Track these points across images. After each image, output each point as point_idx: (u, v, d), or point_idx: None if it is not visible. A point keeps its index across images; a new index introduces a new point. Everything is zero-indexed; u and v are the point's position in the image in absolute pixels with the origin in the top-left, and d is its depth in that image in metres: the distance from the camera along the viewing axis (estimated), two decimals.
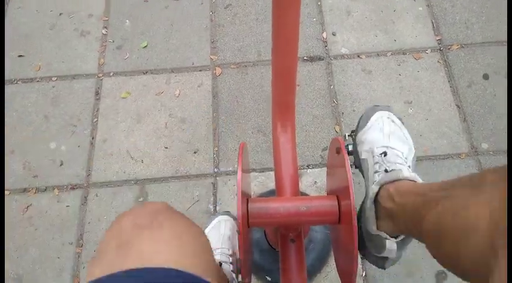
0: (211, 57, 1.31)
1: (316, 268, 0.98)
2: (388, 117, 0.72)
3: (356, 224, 0.54)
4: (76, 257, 1.05)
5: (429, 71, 1.26)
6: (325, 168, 1.12)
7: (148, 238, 0.39)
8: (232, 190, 1.10)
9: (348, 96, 1.23)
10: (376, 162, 0.66)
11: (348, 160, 0.58)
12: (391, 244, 0.60)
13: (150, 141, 1.19)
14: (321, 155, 1.15)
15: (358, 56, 1.29)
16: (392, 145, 0.68)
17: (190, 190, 1.11)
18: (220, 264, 0.72)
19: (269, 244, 0.92)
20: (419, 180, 0.60)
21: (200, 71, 1.29)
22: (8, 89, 1.28)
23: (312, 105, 1.22)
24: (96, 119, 1.22)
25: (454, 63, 1.27)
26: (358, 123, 0.75)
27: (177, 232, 0.41)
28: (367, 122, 0.73)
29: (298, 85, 1.23)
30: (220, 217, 0.93)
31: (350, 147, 0.74)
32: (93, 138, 1.20)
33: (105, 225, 1.08)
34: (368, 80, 1.25)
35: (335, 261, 0.77)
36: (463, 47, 1.29)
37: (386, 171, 0.63)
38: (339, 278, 0.98)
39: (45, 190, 1.13)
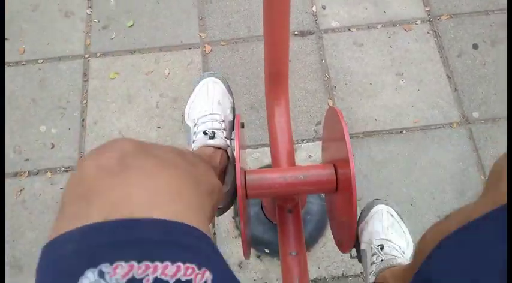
0: (200, 34, 1.29)
1: (313, 238, 1.00)
2: (387, 211, 0.76)
3: (355, 190, 0.55)
4: None
5: (419, 42, 1.26)
6: (319, 142, 1.12)
7: (115, 183, 0.32)
8: None
9: (340, 70, 1.22)
10: (374, 254, 0.69)
11: (346, 126, 0.58)
12: None
13: (142, 122, 1.17)
14: (314, 129, 1.15)
15: (349, 29, 1.28)
16: (390, 238, 0.71)
17: None
18: (214, 133, 0.65)
19: (266, 217, 0.93)
20: None
21: (189, 49, 1.27)
22: None
23: (304, 80, 1.21)
24: (85, 101, 1.21)
25: (444, 34, 1.27)
26: (360, 214, 0.78)
27: (150, 172, 0.34)
28: (367, 215, 0.76)
29: (290, 60, 1.23)
30: (207, 79, 0.77)
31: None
32: (83, 120, 1.18)
33: None
34: (359, 53, 1.24)
35: (332, 231, 0.78)
36: (452, 17, 1.29)
37: (382, 261, 0.66)
38: (335, 248, 1.00)
39: (38, 173, 1.12)
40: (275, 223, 0.85)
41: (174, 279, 0.28)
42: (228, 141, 0.69)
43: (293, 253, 0.65)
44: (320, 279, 0.99)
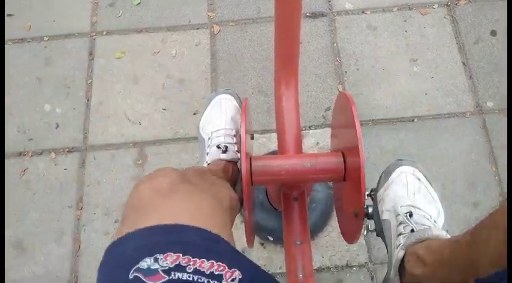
0: (209, 14, 1.25)
1: (318, 227, 0.98)
2: (412, 174, 0.64)
3: (364, 179, 0.53)
4: (76, 220, 1.04)
5: (436, 27, 1.21)
6: (327, 129, 1.09)
7: (166, 202, 0.43)
8: None
9: (352, 54, 1.18)
10: (400, 223, 0.59)
11: (356, 113, 0.55)
12: None
13: (147, 103, 1.15)
14: (323, 116, 1.12)
15: (363, 12, 1.23)
16: (418, 205, 0.60)
17: (191, 151, 1.09)
18: (226, 147, 0.72)
19: (271, 204, 0.91)
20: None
21: (197, 29, 1.24)
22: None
23: (314, 64, 1.18)
24: (90, 80, 1.18)
25: (461, 19, 1.22)
26: (379, 180, 0.67)
27: (190, 196, 0.45)
28: (389, 178, 0.65)
29: (300, 43, 1.19)
30: (221, 96, 0.82)
31: (370, 209, 0.64)
32: (88, 100, 1.16)
33: (104, 188, 1.07)
34: (373, 37, 1.20)
35: (338, 220, 0.76)
36: (470, 1, 1.24)
37: (412, 231, 0.56)
38: (339, 237, 0.99)
39: (42, 153, 1.11)
40: (280, 210, 0.84)
41: (209, 271, 0.35)
42: (239, 154, 0.73)
43: (297, 243, 0.63)
44: (324, 268, 0.97)
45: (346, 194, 0.63)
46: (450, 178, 1.05)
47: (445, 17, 1.22)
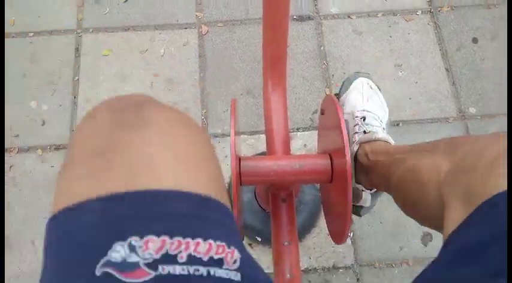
0: (197, 14, 1.26)
1: (306, 228, 1.00)
2: (367, 83, 0.82)
3: (351, 181, 0.54)
4: None
5: (419, 33, 1.24)
6: (315, 131, 1.11)
7: (134, 140, 0.29)
8: (222, 152, 1.09)
9: (338, 58, 1.21)
10: (356, 124, 0.75)
11: (342, 115, 0.57)
12: (366, 195, 0.71)
13: None
14: (310, 118, 1.14)
15: (349, 16, 1.26)
16: (369, 109, 0.77)
17: None
18: None
19: (259, 205, 0.92)
20: (392, 141, 0.70)
21: (185, 28, 1.24)
22: None
23: (301, 67, 1.20)
24: (77, 77, 1.17)
25: (444, 26, 1.25)
26: (341, 87, 0.85)
27: (168, 131, 0.31)
28: (349, 87, 0.83)
29: (288, 46, 1.20)
30: None
31: None
32: (75, 97, 1.15)
33: None
34: (359, 41, 1.22)
35: (326, 221, 0.78)
36: (453, 9, 1.27)
37: (364, 132, 0.73)
38: (327, 238, 1.00)
39: (28, 150, 1.09)
40: (268, 211, 0.85)
41: (207, 257, 0.26)
42: None
43: (285, 243, 0.64)
44: (311, 270, 0.99)
45: (333, 195, 0.65)
46: None
47: (428, 24, 1.25)
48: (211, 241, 0.27)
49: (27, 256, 1.00)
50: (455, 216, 0.37)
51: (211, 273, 0.26)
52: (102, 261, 0.24)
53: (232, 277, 0.27)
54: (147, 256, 0.25)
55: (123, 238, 0.25)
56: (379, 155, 0.66)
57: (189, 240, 0.26)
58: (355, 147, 0.72)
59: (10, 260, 0.99)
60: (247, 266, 0.30)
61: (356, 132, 0.74)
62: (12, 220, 1.02)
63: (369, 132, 0.72)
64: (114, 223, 0.26)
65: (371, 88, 0.82)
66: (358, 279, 0.98)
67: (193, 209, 0.28)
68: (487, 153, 0.38)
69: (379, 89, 0.84)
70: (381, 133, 0.71)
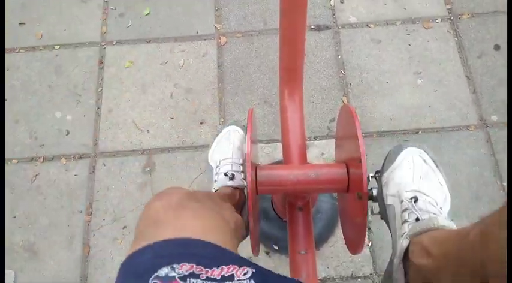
0: (216, 25, 1.28)
1: (323, 237, 0.99)
2: (419, 156, 0.63)
3: (367, 192, 0.54)
4: (86, 225, 1.06)
5: (439, 40, 1.23)
6: (332, 140, 1.11)
7: (177, 217, 0.47)
8: None
9: (356, 67, 1.21)
10: (405, 209, 0.57)
11: (360, 127, 0.57)
12: None
13: (155, 112, 1.18)
14: (328, 127, 1.14)
15: (367, 25, 1.26)
16: (424, 190, 0.58)
17: (198, 160, 1.11)
18: (233, 175, 0.75)
19: (276, 214, 0.93)
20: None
21: (205, 39, 1.27)
22: (11, 57, 1.26)
23: (318, 75, 1.20)
24: (100, 89, 1.21)
25: (465, 33, 1.24)
26: (384, 162, 0.65)
27: (200, 212, 0.50)
28: (394, 160, 0.63)
29: (305, 54, 1.21)
30: (229, 127, 0.85)
31: (374, 192, 0.62)
32: (98, 108, 1.19)
33: (113, 194, 1.09)
34: (377, 50, 1.22)
35: (342, 231, 0.78)
36: (473, 16, 1.26)
37: (417, 220, 0.54)
38: (344, 248, 0.99)
39: (53, 159, 1.13)
40: (285, 220, 0.85)
41: (219, 276, 0.39)
42: (245, 182, 0.76)
43: (302, 252, 0.64)
44: (329, 279, 0.98)
45: (350, 205, 0.65)
46: (454, 190, 1.05)
47: (448, 31, 1.24)
48: (223, 266, 0.40)
49: (50, 262, 1.03)
50: None
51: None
52: (153, 276, 0.38)
53: None
54: (181, 273, 0.38)
55: (168, 264, 0.39)
56: (449, 243, 0.46)
57: (208, 269, 0.40)
58: (405, 243, 0.52)
59: (34, 266, 1.02)
60: (260, 274, 0.40)
61: (405, 221, 0.55)
62: (37, 227, 1.06)
63: (425, 219, 0.54)
64: (162, 257, 0.40)
65: (425, 162, 0.62)
66: None
67: (213, 252, 0.43)
68: None
69: (437, 166, 0.63)
70: (443, 219, 0.53)
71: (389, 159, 0.64)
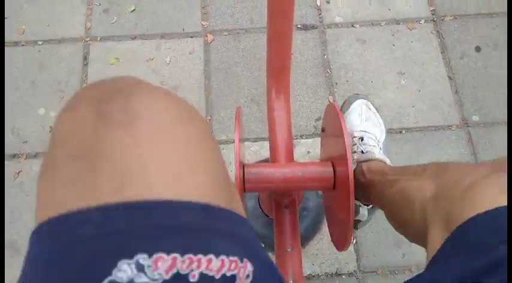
0: (203, 23, 1.28)
1: (309, 234, 1.00)
2: (366, 105, 0.87)
3: (353, 188, 0.55)
4: None
5: (422, 41, 1.25)
6: (318, 138, 1.12)
7: (123, 140, 0.25)
8: (226, 159, 1.10)
9: (342, 66, 1.22)
10: (354, 144, 0.79)
11: (345, 125, 0.58)
12: (363, 210, 0.75)
13: None
14: (314, 125, 1.15)
15: (352, 25, 1.27)
16: (367, 129, 0.82)
17: None
18: None
19: (263, 211, 0.93)
20: (387, 161, 0.74)
21: (191, 37, 1.26)
22: None
23: (305, 74, 1.21)
24: (85, 85, 1.20)
25: (447, 35, 1.26)
26: (342, 107, 0.90)
27: (162, 126, 0.26)
28: (349, 107, 0.88)
29: (292, 54, 1.22)
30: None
31: None
32: None
33: None
34: (362, 50, 1.24)
35: (328, 228, 0.79)
36: (456, 18, 1.29)
37: (362, 152, 0.77)
38: (330, 245, 1.01)
39: (36, 156, 1.11)
40: (271, 218, 0.86)
41: (219, 275, 0.24)
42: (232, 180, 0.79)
43: (288, 250, 0.65)
44: (314, 276, 0.99)
45: (336, 202, 0.66)
46: None
47: (431, 32, 1.26)
48: (223, 257, 0.24)
49: None
50: (435, 241, 0.41)
51: None
52: (106, 281, 0.21)
53: None
54: (157, 277, 0.22)
55: (130, 255, 0.22)
56: (375, 174, 0.69)
57: (200, 256, 0.23)
58: (354, 166, 0.75)
59: (17, 264, 1.01)
60: (261, 278, 0.27)
61: (354, 152, 0.78)
62: (19, 225, 1.04)
63: (367, 152, 0.76)
64: (117, 237, 0.22)
65: (369, 109, 0.88)
66: None
67: (202, 221, 0.25)
68: (464, 182, 0.40)
69: (377, 110, 0.90)
70: (378, 153, 0.75)
71: (345, 106, 0.89)
